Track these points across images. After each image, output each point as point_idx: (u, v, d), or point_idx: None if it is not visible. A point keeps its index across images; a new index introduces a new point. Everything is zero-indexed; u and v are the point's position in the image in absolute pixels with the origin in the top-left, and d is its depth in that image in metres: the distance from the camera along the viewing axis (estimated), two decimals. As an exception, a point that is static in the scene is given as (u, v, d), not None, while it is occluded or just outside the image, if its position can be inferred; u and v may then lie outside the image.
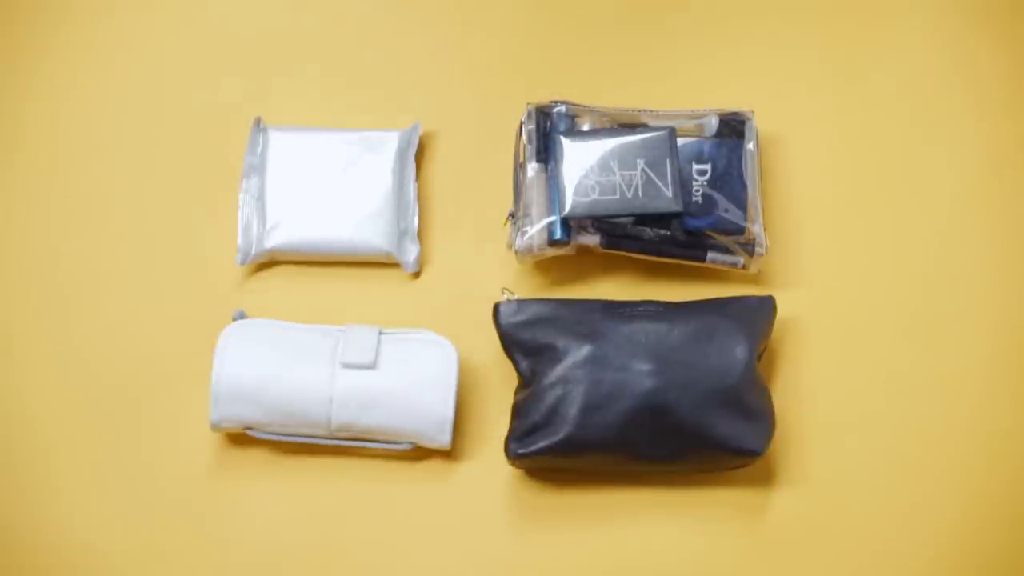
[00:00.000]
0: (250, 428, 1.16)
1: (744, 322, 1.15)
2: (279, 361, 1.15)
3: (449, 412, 1.15)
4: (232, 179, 1.28)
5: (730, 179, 1.20)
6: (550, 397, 1.13)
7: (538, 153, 1.20)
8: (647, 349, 1.13)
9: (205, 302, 1.24)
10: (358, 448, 1.19)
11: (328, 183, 1.24)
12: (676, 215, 1.17)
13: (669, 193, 1.17)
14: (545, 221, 1.19)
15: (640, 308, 1.16)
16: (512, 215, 1.20)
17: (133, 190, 1.28)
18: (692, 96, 1.29)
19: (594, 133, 1.19)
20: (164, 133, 1.29)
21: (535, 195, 1.19)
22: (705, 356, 1.13)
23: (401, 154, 1.25)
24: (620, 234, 1.19)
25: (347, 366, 1.15)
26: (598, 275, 1.24)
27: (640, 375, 1.12)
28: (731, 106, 1.28)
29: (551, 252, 1.19)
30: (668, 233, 1.18)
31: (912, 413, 1.19)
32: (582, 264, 1.24)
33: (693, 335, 1.14)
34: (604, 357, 1.13)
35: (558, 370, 1.14)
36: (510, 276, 1.24)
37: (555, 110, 1.22)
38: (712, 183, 1.20)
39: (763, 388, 1.15)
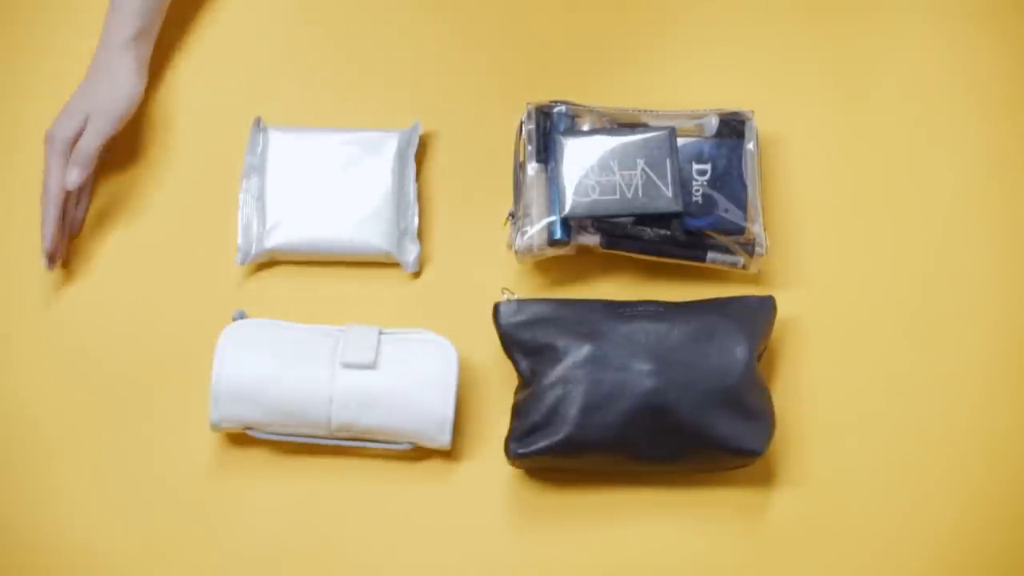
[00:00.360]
0: (250, 428, 1.16)
1: (744, 322, 1.15)
2: (279, 361, 1.15)
3: (449, 412, 1.15)
4: (232, 179, 1.28)
5: (730, 179, 1.20)
6: (550, 397, 1.13)
7: (538, 153, 1.20)
8: (647, 349, 1.13)
9: (205, 302, 1.24)
10: (358, 448, 1.19)
11: (328, 183, 1.24)
12: (676, 215, 1.17)
13: (669, 193, 1.17)
14: (545, 221, 1.19)
15: (640, 308, 1.16)
16: (512, 215, 1.20)
17: (133, 190, 1.28)
18: (692, 96, 1.29)
19: (594, 133, 1.19)
20: (163, 133, 1.29)
21: (535, 195, 1.19)
22: (705, 356, 1.13)
23: (401, 154, 1.25)
24: (620, 234, 1.19)
25: (347, 366, 1.14)
26: (598, 275, 1.24)
27: (640, 375, 1.12)
28: (731, 106, 1.28)
29: (551, 252, 1.19)
30: (668, 233, 1.18)
31: (912, 413, 1.19)
32: (582, 264, 1.24)
33: (693, 335, 1.14)
34: (604, 357, 1.13)
35: (558, 370, 1.14)
36: (510, 276, 1.24)
37: (555, 110, 1.22)
38: (712, 183, 1.20)
39: (763, 388, 1.15)
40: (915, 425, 1.19)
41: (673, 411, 1.12)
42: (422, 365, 1.15)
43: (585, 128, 1.21)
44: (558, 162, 1.18)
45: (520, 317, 1.16)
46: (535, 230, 1.19)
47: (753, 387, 1.14)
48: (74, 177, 1.17)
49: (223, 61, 1.32)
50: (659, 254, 1.19)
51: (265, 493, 1.18)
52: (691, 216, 1.19)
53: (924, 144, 1.28)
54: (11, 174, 1.29)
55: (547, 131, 1.21)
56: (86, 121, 1.19)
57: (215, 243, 1.25)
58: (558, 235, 1.18)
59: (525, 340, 1.15)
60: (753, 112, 1.24)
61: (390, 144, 1.25)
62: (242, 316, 1.18)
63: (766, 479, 1.18)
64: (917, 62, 1.30)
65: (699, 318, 1.15)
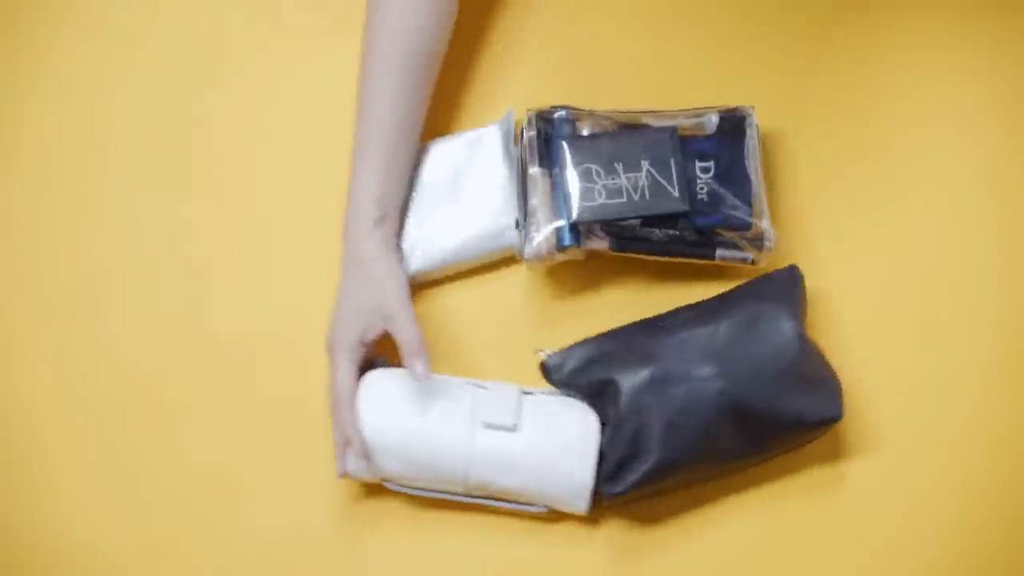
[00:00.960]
0: (387, 480, 1.15)
1: (781, 297, 1.15)
2: (421, 415, 1.13)
3: (588, 479, 1.12)
4: (230, 182, 1.27)
5: (734, 175, 1.20)
6: (627, 430, 1.12)
7: (541, 159, 1.20)
8: (702, 354, 1.13)
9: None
10: (492, 506, 1.17)
11: (445, 193, 1.22)
12: (683, 214, 1.18)
13: (675, 193, 1.17)
14: (552, 227, 1.18)
15: (678, 316, 1.15)
16: (519, 222, 1.20)
17: (131, 190, 1.27)
18: (691, 94, 1.28)
19: (597, 137, 1.19)
20: (165, 132, 1.29)
21: (540, 201, 1.19)
22: (758, 342, 1.13)
23: (506, 144, 1.23)
24: (629, 236, 1.19)
25: (488, 426, 1.13)
26: (611, 278, 1.23)
27: (705, 381, 1.12)
28: (730, 102, 1.27)
29: (560, 258, 1.19)
30: (677, 233, 1.18)
31: (913, 413, 1.19)
32: (593, 268, 1.23)
33: (739, 326, 1.14)
34: (665, 375, 1.12)
35: (625, 402, 1.12)
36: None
37: (555, 115, 1.21)
38: (716, 180, 1.20)
39: (818, 352, 1.15)
40: (915, 425, 1.19)
41: (747, 405, 1.11)
42: (563, 430, 1.13)
43: (586, 132, 1.21)
44: (562, 167, 1.18)
45: (570, 366, 1.15)
46: (542, 237, 1.18)
47: (811, 356, 1.13)
48: (422, 368, 1.13)
49: (223, 60, 1.31)
50: (668, 254, 1.19)
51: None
52: (698, 215, 1.19)
53: (926, 138, 1.27)
54: (11, 174, 1.28)
55: (548, 136, 1.21)
56: (367, 321, 1.15)
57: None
58: (567, 241, 1.18)
59: (583, 386, 1.14)
60: (753, 107, 1.24)
61: (493, 137, 1.23)
62: (384, 364, 1.18)
63: (775, 477, 1.18)
64: (918, 52, 1.30)
65: (738, 307, 1.15)
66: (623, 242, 1.19)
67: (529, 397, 1.15)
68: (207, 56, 1.31)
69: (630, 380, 1.12)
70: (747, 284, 1.17)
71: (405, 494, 1.17)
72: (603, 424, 1.14)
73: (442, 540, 1.16)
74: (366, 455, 1.12)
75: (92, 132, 1.29)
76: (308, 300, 1.24)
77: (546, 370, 1.15)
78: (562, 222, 1.18)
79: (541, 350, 1.16)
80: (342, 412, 1.13)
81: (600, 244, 1.19)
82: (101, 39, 1.32)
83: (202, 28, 1.33)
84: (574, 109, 1.22)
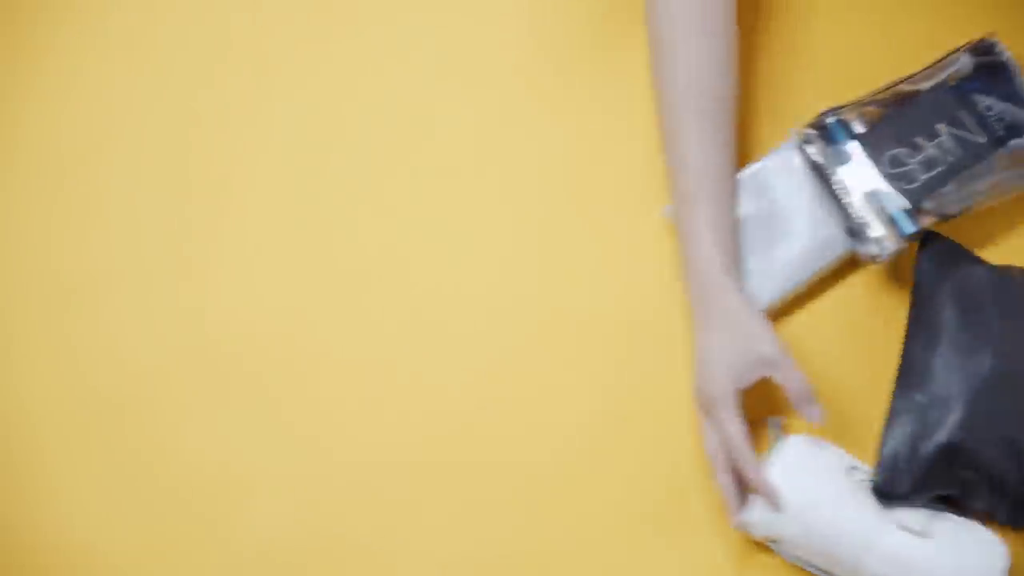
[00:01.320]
0: (775, 542, 1.12)
1: (949, 264, 1.15)
2: (835, 492, 1.10)
3: None
4: (229, 182, 1.27)
5: (1015, 98, 1.19)
6: (1002, 469, 1.09)
7: (839, 165, 1.18)
8: (968, 358, 1.11)
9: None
10: None
11: (765, 221, 1.21)
12: (994, 153, 1.16)
13: (982, 139, 1.16)
14: (889, 220, 1.16)
15: (915, 353, 1.13)
16: (851, 231, 1.17)
17: (130, 190, 1.27)
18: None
19: (881, 125, 1.17)
20: (164, 132, 1.29)
21: (863, 203, 1.17)
22: (984, 310, 1.11)
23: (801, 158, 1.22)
24: (955, 199, 1.17)
25: (900, 526, 1.10)
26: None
27: (999, 378, 1.10)
28: (965, 40, 1.25)
29: (906, 245, 1.17)
30: (993, 178, 1.17)
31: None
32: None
33: (957, 315, 1.12)
34: (971, 401, 1.09)
35: (974, 451, 1.09)
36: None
37: (828, 120, 1.19)
38: (1003, 109, 1.18)
39: (1014, 266, 1.15)
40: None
41: None
42: (969, 554, 1.09)
43: (859, 126, 1.18)
44: (865, 165, 1.16)
45: (900, 466, 1.10)
46: (884, 233, 1.16)
47: (1016, 272, 1.14)
48: (818, 413, 1.11)
49: (220, 56, 1.31)
50: (1001, 195, 1.18)
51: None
52: (1006, 147, 1.17)
53: None
54: (11, 174, 1.28)
55: (832, 142, 1.18)
56: (741, 369, 1.13)
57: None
58: (909, 228, 1.15)
59: (926, 473, 1.10)
60: (994, 33, 1.22)
61: (789, 154, 1.22)
62: (778, 425, 1.16)
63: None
64: None
65: (933, 305, 1.13)
66: (953, 206, 1.17)
67: (943, 513, 1.11)
68: (206, 56, 1.31)
69: (955, 432, 1.09)
70: (916, 285, 1.15)
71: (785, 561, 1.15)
72: (966, 487, 1.11)
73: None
74: (778, 506, 1.10)
75: (91, 132, 1.29)
76: (308, 300, 1.24)
77: (884, 490, 1.11)
78: (899, 209, 1.16)
79: (865, 476, 1.13)
80: (746, 461, 1.10)
81: (934, 219, 1.17)
82: (101, 39, 1.32)
83: (201, 28, 1.32)
84: (837, 108, 1.20)
